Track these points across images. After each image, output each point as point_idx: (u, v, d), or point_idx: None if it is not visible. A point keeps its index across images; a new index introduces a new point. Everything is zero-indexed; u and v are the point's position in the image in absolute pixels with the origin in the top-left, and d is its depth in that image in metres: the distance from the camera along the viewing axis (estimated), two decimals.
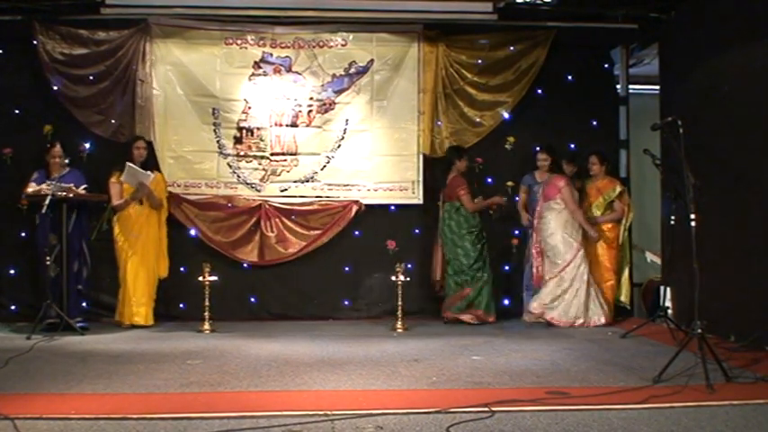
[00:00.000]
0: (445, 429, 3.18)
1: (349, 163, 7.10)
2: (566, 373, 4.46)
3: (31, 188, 6.17)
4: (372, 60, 7.11)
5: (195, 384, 4.11)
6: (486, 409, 3.46)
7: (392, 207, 7.16)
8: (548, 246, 6.51)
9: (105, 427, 3.25)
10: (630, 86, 7.55)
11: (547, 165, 6.91)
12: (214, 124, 7.00)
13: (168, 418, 3.34)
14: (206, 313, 6.22)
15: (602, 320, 6.43)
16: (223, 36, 7.00)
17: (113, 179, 6.41)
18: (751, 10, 5.41)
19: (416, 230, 7.19)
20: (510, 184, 7.19)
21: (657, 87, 7.07)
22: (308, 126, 7.09)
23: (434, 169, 7.13)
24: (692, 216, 4.37)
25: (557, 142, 7.10)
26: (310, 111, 7.10)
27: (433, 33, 7.09)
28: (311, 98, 7.09)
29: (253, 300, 7.06)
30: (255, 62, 7.04)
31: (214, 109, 6.99)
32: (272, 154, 7.05)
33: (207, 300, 6.24)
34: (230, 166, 7.02)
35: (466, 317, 6.52)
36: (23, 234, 6.68)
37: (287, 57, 7.07)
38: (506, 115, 7.18)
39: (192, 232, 6.88)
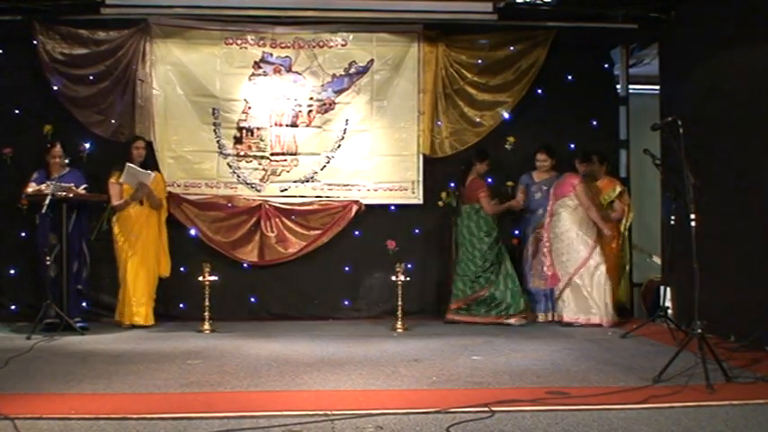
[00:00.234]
0: (445, 429, 3.18)
1: (349, 163, 7.10)
2: (566, 373, 4.46)
3: (31, 188, 6.17)
4: (372, 60, 7.11)
5: (195, 384, 4.12)
6: (486, 409, 3.46)
7: (392, 207, 7.17)
8: (561, 243, 6.52)
9: (105, 427, 3.25)
10: (630, 86, 7.55)
11: (546, 165, 6.93)
12: (214, 124, 7.00)
13: (168, 418, 3.34)
14: (206, 313, 6.22)
15: (616, 319, 6.42)
16: (223, 36, 7.00)
17: (113, 179, 6.41)
18: (751, 10, 5.41)
19: (416, 230, 7.19)
20: (510, 183, 7.19)
21: (657, 87, 7.07)
22: (308, 126, 7.09)
23: (434, 169, 7.14)
24: (692, 216, 4.37)
25: (557, 142, 7.11)
26: (310, 111, 7.10)
27: (433, 33, 7.09)
28: (311, 98, 7.09)
29: (253, 300, 7.06)
30: (255, 62, 7.04)
31: (214, 109, 6.99)
32: (272, 154, 7.05)
33: (207, 300, 6.24)
34: (230, 166, 7.02)
35: (511, 320, 6.50)
36: (23, 234, 6.68)
37: (287, 57, 7.07)
38: (506, 115, 7.18)
39: (192, 232, 6.88)
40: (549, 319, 6.69)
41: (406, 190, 7.14)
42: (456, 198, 7.02)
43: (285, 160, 7.07)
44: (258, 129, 7.05)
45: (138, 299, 6.33)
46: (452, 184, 7.13)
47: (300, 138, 7.07)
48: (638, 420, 3.35)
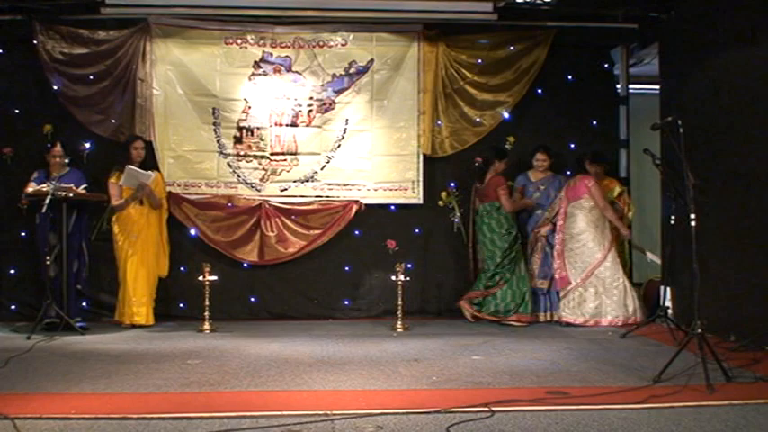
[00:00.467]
0: (445, 429, 3.18)
1: (349, 163, 7.10)
2: (566, 373, 4.46)
3: (32, 188, 6.17)
4: (372, 60, 7.10)
5: (195, 384, 4.12)
6: (486, 408, 3.46)
7: (392, 207, 7.16)
8: (578, 244, 6.53)
9: (105, 426, 3.25)
10: (630, 86, 7.55)
11: (546, 165, 6.93)
12: (214, 124, 7.00)
13: (168, 417, 3.34)
14: (206, 313, 6.22)
15: (640, 317, 6.42)
16: (223, 36, 7.00)
17: (113, 179, 6.40)
18: (751, 9, 5.41)
19: (416, 230, 7.19)
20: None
21: (657, 87, 7.07)
22: (307, 126, 7.09)
23: (434, 169, 7.14)
24: (692, 216, 4.36)
25: (557, 142, 7.12)
26: (310, 110, 7.10)
27: (433, 33, 7.09)
28: (311, 98, 7.09)
29: (253, 300, 7.06)
30: (255, 62, 7.04)
31: (214, 109, 6.99)
32: (272, 154, 7.05)
33: (207, 300, 6.24)
34: (230, 166, 7.02)
35: (513, 321, 6.50)
36: (23, 234, 6.68)
37: (287, 56, 7.07)
38: (506, 115, 7.18)
39: (192, 232, 6.88)
40: (549, 318, 6.69)
41: (406, 190, 7.14)
42: (455, 199, 7.04)
43: (285, 160, 7.07)
44: (258, 128, 7.05)
45: (138, 299, 6.33)
46: (452, 184, 7.14)
47: (300, 137, 7.07)
48: (638, 420, 3.35)
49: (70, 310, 6.03)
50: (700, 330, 4.17)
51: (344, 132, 7.10)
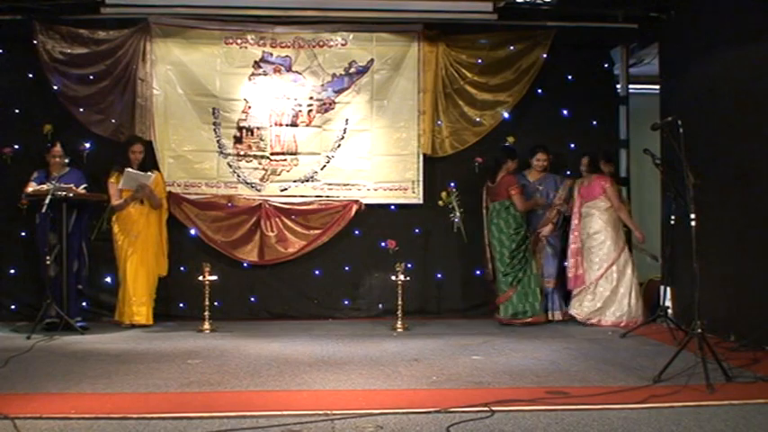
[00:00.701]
0: (445, 429, 3.18)
1: (349, 163, 7.10)
2: (566, 372, 4.46)
3: (32, 188, 6.18)
4: (372, 60, 7.10)
5: (195, 384, 4.12)
6: (486, 408, 3.46)
7: (392, 207, 7.16)
8: (595, 243, 6.56)
9: (105, 426, 3.25)
10: (630, 86, 7.55)
11: (546, 165, 6.94)
12: (214, 124, 7.00)
13: (168, 417, 3.34)
14: (206, 313, 6.22)
15: (642, 317, 6.43)
16: (223, 36, 7.00)
17: (112, 179, 6.41)
18: (751, 9, 5.41)
19: (416, 230, 7.19)
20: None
21: (657, 87, 7.07)
22: (307, 126, 7.09)
23: (434, 169, 7.14)
24: (692, 216, 4.37)
25: (557, 142, 7.12)
26: (310, 110, 7.10)
27: (433, 33, 7.08)
28: (311, 98, 7.09)
29: (253, 300, 7.06)
30: (255, 62, 7.04)
31: (214, 108, 6.98)
32: (272, 153, 7.05)
33: (207, 299, 6.24)
34: (230, 166, 7.02)
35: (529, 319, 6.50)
36: (23, 234, 6.68)
37: (287, 56, 7.07)
38: (506, 115, 7.17)
39: (192, 232, 6.88)
40: (550, 318, 6.70)
41: (406, 190, 7.14)
42: (456, 199, 7.03)
43: (285, 160, 7.07)
44: (258, 128, 7.05)
45: (138, 298, 6.33)
46: (452, 184, 7.13)
47: (300, 137, 7.07)
48: (638, 420, 3.35)
49: (70, 310, 6.03)
50: (700, 330, 4.17)
51: (344, 132, 7.10)
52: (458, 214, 7.08)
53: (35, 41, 6.66)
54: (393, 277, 6.41)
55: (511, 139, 7.23)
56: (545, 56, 7.05)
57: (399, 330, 6.24)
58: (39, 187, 6.09)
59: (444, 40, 7.10)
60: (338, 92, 7.10)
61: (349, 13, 6.94)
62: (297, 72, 7.09)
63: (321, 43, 7.09)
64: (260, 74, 7.05)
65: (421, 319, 6.86)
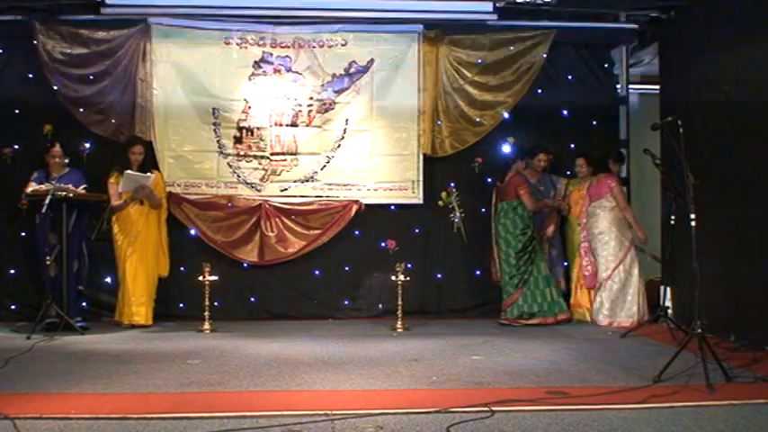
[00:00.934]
0: (445, 429, 3.18)
1: (349, 163, 7.09)
2: (566, 372, 4.46)
3: (31, 188, 6.17)
4: (372, 60, 7.10)
5: (195, 384, 4.12)
6: (486, 408, 3.46)
7: (392, 207, 7.16)
8: (599, 243, 6.57)
9: (105, 426, 3.25)
10: (630, 86, 7.55)
11: (547, 166, 6.94)
12: (214, 124, 7.00)
13: (168, 417, 3.34)
14: (206, 313, 6.22)
15: (645, 317, 6.42)
16: (223, 36, 7.00)
17: (112, 180, 6.40)
18: (751, 9, 5.41)
19: (416, 230, 7.19)
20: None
21: (657, 87, 7.07)
22: (307, 126, 7.09)
23: (434, 169, 7.14)
24: (692, 216, 4.36)
25: (557, 142, 7.12)
26: (310, 110, 7.10)
27: (433, 33, 7.08)
28: (311, 98, 7.09)
29: (253, 300, 7.06)
30: (255, 62, 7.04)
31: (214, 109, 6.98)
32: (272, 154, 7.05)
33: (207, 299, 6.24)
34: (230, 166, 7.01)
35: (534, 321, 6.49)
36: (23, 234, 6.67)
37: (287, 56, 7.07)
38: (506, 115, 7.17)
39: (192, 232, 6.88)
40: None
41: (406, 190, 7.14)
42: (455, 199, 7.04)
43: (285, 160, 7.07)
44: (258, 128, 7.05)
45: (137, 298, 6.33)
46: (452, 184, 7.13)
47: (300, 137, 7.07)
48: (638, 420, 3.35)
49: (70, 310, 6.03)
50: (700, 330, 4.17)
51: (344, 132, 7.10)
52: (458, 214, 7.09)
53: (35, 41, 6.65)
54: (393, 277, 6.40)
55: (511, 140, 7.23)
56: (545, 56, 7.05)
57: (399, 330, 6.24)
58: (38, 187, 6.09)
59: (444, 40, 7.09)
60: (338, 92, 7.10)
61: (349, 13, 6.96)
62: (297, 72, 7.09)
63: (321, 43, 7.09)
64: (260, 74, 7.05)
65: (421, 319, 6.86)
